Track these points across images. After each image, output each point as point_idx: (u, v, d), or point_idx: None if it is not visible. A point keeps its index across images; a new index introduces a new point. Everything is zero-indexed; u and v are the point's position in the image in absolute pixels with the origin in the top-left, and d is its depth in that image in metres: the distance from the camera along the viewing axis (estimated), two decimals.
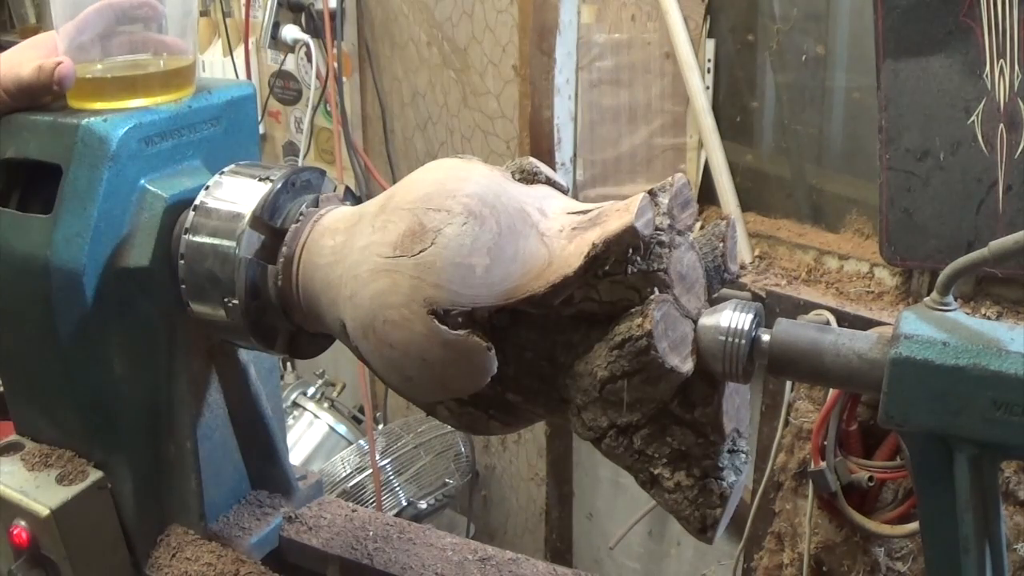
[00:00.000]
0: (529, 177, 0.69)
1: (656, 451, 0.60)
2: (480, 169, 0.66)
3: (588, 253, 0.59)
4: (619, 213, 0.60)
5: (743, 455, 0.63)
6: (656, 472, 0.61)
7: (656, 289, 0.59)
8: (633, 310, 0.58)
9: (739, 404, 0.64)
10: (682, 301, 0.61)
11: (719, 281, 0.67)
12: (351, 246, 0.68)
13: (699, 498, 0.60)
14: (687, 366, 0.58)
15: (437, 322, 0.61)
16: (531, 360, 0.63)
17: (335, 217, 0.75)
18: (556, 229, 0.63)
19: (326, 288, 0.70)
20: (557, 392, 0.63)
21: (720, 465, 0.60)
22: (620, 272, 0.59)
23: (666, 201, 0.62)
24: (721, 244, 0.66)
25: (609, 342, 0.59)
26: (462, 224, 0.61)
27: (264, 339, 0.77)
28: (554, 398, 0.64)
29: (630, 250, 0.59)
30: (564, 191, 0.70)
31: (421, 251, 0.62)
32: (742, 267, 1.92)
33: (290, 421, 2.54)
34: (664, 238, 0.60)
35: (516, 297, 0.61)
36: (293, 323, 0.77)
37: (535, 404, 0.66)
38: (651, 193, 0.62)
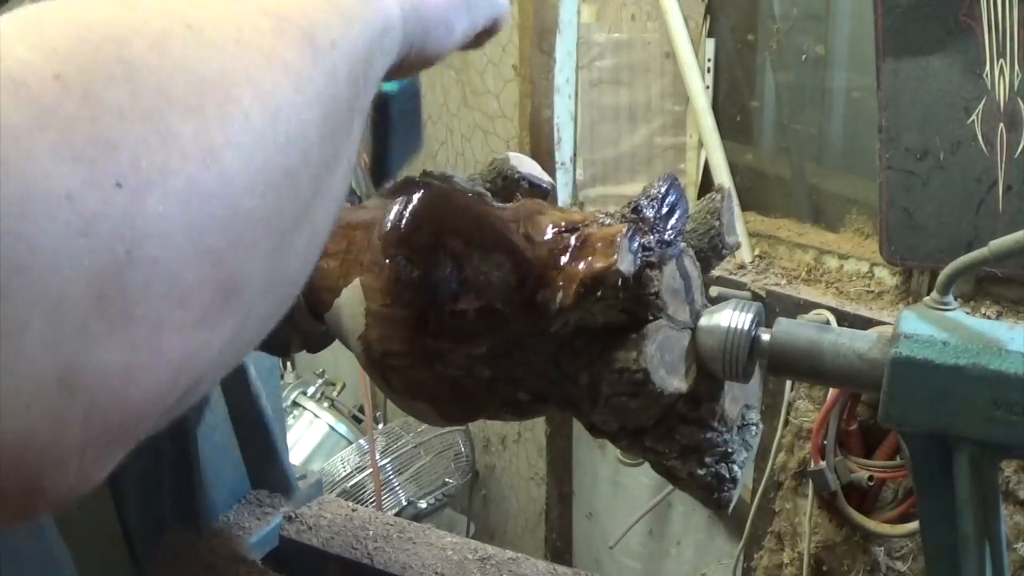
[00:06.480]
0: (510, 184, 0.67)
1: (666, 447, 0.61)
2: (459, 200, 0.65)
3: (575, 290, 0.58)
4: (603, 246, 0.58)
5: (754, 428, 0.63)
6: (669, 464, 0.62)
7: (650, 314, 0.58)
8: (631, 336, 0.58)
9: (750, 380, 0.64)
10: (677, 316, 0.60)
11: (716, 257, 0.65)
12: None
13: (712, 483, 0.61)
14: (687, 384, 0.59)
15: None
16: (537, 363, 0.63)
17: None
18: (544, 254, 0.62)
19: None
20: (565, 393, 0.64)
21: (729, 451, 0.61)
22: (612, 297, 0.58)
23: (651, 215, 0.60)
24: (717, 223, 0.64)
25: (609, 365, 0.58)
26: None
27: (268, 346, 0.76)
28: (563, 398, 0.64)
29: (619, 280, 0.57)
30: (546, 192, 0.68)
31: None
32: (741, 267, 1.92)
33: (290, 421, 2.54)
34: (654, 258, 0.58)
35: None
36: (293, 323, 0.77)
37: (546, 403, 0.66)
38: (635, 210, 0.60)
